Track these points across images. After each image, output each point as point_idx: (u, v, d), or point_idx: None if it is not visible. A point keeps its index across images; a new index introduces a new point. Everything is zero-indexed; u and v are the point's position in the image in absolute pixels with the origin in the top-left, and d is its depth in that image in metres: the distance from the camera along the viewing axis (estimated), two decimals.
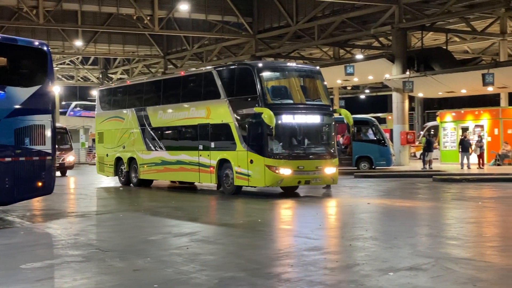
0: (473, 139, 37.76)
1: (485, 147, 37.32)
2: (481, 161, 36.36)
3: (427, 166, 36.12)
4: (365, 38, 46.34)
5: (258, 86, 23.52)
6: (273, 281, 10.05)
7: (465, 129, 40.02)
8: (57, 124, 32.98)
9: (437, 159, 41.70)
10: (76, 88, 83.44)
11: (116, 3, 43.83)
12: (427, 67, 38.22)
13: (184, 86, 27.82)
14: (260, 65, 24.30)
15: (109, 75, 70.32)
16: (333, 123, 24.60)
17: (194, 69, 28.38)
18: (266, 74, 24.10)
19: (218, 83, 25.38)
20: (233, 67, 25.39)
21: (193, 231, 15.53)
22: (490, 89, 37.57)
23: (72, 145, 42.25)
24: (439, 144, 42.31)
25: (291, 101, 24.07)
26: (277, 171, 23.14)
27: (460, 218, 17.67)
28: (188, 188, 29.99)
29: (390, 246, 12.80)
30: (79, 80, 75.80)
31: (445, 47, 41.89)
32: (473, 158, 36.44)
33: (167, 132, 28.81)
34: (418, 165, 39.23)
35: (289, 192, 25.40)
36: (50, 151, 18.21)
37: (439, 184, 28.88)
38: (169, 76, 29.80)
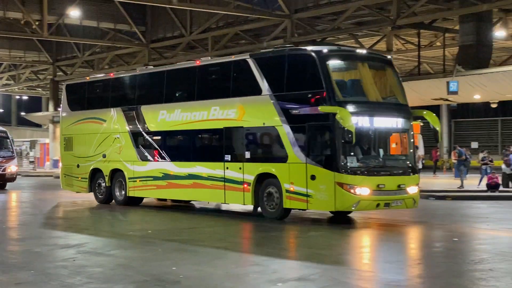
0: None
1: None
2: None
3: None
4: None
5: (325, 79, 17.89)
6: None
7: None
8: None
9: None
10: None
11: (3, 7, 42.00)
12: None
13: (201, 79, 21.75)
14: (325, 51, 18.60)
15: None
16: (412, 128, 19.01)
17: (208, 58, 21.79)
18: (333, 63, 18.50)
19: (258, 74, 19.51)
20: (282, 54, 19.52)
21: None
22: None
23: (14, 152, 35.19)
24: None
25: (365, 99, 18.34)
26: (352, 191, 17.48)
27: None
28: (185, 207, 24.07)
29: None
30: None
31: None
32: None
33: (173, 137, 22.71)
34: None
35: (340, 216, 19.96)
36: None
37: None
38: (178, 67, 23.57)
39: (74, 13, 41.80)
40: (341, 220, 19.47)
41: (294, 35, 36.11)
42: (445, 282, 10.97)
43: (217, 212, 22.68)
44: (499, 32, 37.65)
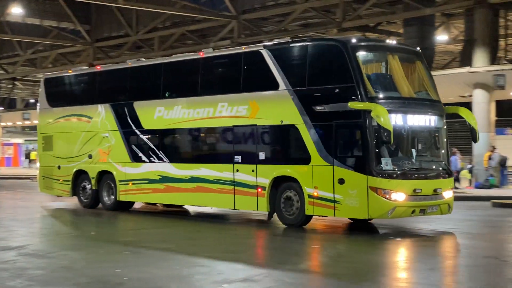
0: None
1: None
2: None
3: None
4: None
5: (355, 72, 16.11)
6: None
7: None
8: None
9: None
10: None
11: None
12: None
13: (206, 73, 19.82)
14: (354, 40, 16.88)
15: None
16: (445, 127, 17.40)
17: (210, 49, 19.85)
18: (363, 54, 16.82)
19: (274, 67, 17.71)
20: (304, 45, 17.70)
21: None
22: None
23: None
24: None
25: (398, 95, 16.64)
26: (387, 196, 15.75)
27: None
28: (179, 212, 22.20)
29: None
30: None
31: None
32: None
33: (173, 137, 20.74)
34: None
35: (360, 223, 18.22)
36: None
37: None
38: (178, 59, 21.54)
39: (16, 10, 40.20)
40: (361, 228, 17.80)
41: (241, 36, 36.16)
42: None
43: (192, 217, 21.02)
44: (441, 36, 39.05)
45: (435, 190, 16.49)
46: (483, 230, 18.12)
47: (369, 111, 15.82)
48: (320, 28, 33.97)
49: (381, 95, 16.34)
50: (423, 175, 16.48)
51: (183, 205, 22.61)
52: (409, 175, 16.19)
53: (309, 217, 17.49)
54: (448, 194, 16.85)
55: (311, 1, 30.22)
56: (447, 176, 16.97)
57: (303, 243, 15.89)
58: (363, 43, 17.07)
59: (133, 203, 22.42)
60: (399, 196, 15.90)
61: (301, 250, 14.71)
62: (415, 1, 26.05)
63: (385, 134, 15.49)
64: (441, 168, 16.99)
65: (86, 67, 26.47)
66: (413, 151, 16.75)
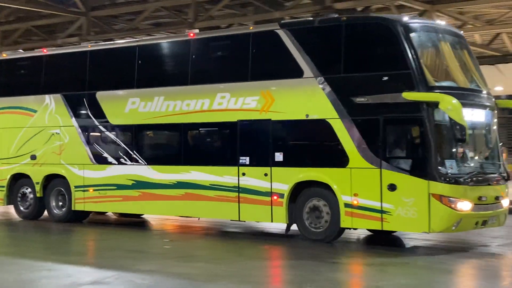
0: None
1: None
2: None
3: None
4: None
5: (411, 56, 13.37)
6: None
7: None
8: None
9: None
10: None
11: None
12: None
13: (198, 58, 16.54)
14: (406, 19, 14.16)
15: None
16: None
17: (196, 30, 16.59)
18: (418, 36, 13.94)
19: (295, 51, 14.86)
20: (338, 24, 14.80)
21: None
22: None
23: None
24: None
25: (455, 85, 14.10)
26: (453, 206, 13.02)
27: None
28: (137, 224, 18.86)
29: None
30: None
31: None
32: None
33: (152, 134, 17.47)
34: None
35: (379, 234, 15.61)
36: None
37: None
38: (158, 41, 17.98)
39: None
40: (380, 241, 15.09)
41: (90, 33, 34.26)
42: None
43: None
44: None
45: (496, 198, 14.01)
46: None
47: (433, 103, 13.09)
48: (172, 27, 32.73)
49: (441, 85, 13.61)
50: (486, 180, 13.94)
51: (143, 215, 19.36)
52: (474, 180, 13.56)
53: (342, 230, 14.49)
54: (506, 203, 14.42)
55: (162, 0, 29.01)
56: (504, 180, 14.48)
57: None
58: (416, 23, 14.34)
59: (88, 213, 18.61)
60: (465, 205, 13.31)
61: (155, 251, 14.32)
62: (266, 5, 25.41)
63: (458, 131, 12.95)
64: (499, 171, 14.48)
65: (22, 50, 22.15)
66: (473, 151, 14.09)
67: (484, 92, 14.66)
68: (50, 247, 14.84)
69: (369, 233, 15.88)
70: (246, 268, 11.97)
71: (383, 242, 15.06)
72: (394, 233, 15.66)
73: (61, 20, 35.08)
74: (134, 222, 19.01)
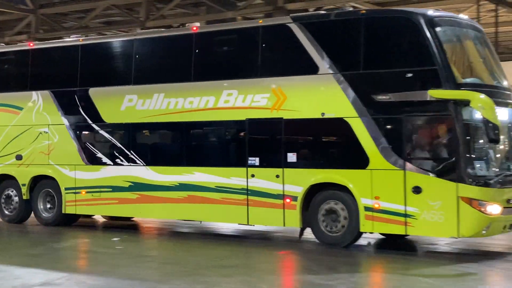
0: None
1: None
2: None
3: None
4: None
5: (437, 52, 12.74)
6: None
7: None
8: None
9: None
10: None
11: None
12: None
13: (202, 53, 15.64)
14: (430, 12, 13.51)
15: None
16: None
17: (197, 24, 15.73)
18: (443, 30, 13.26)
19: (310, 45, 14.15)
20: (356, 17, 14.11)
21: None
22: None
23: None
24: None
25: (481, 82, 13.54)
26: (483, 209, 12.38)
27: None
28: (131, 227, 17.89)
29: None
30: None
31: None
32: None
33: (151, 133, 16.47)
34: None
35: (391, 239, 14.98)
36: None
37: None
38: (157, 35, 17.02)
39: None
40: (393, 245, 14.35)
41: (39, 31, 33.80)
42: None
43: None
44: None
45: None
46: None
47: (462, 102, 12.42)
48: (123, 26, 32.75)
49: (468, 82, 12.97)
50: None
51: (132, 217, 18.56)
52: (503, 182, 12.94)
53: (359, 235, 13.77)
54: None
55: None
56: None
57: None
58: (441, 16, 13.64)
59: (78, 216, 17.60)
60: (495, 209, 12.68)
61: (107, 251, 14.10)
62: (218, 4, 25.35)
63: (491, 130, 12.27)
64: None
65: (4, 44, 21.01)
66: (501, 151, 13.48)
67: (507, 89, 14.01)
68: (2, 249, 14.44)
69: (381, 237, 15.09)
70: (200, 268, 11.77)
71: (397, 247, 14.37)
72: (407, 237, 14.89)
73: (9, 17, 34.43)
74: (125, 225, 18.06)
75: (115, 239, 15.46)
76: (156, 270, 11.75)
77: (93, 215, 18.69)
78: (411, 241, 15.03)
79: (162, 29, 18.13)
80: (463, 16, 14.57)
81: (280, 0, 20.89)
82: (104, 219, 19.04)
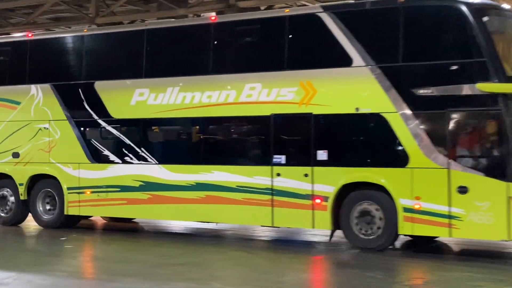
0: None
1: None
2: None
3: None
4: None
5: (485, 43, 11.99)
6: None
7: None
8: None
9: None
10: None
11: None
12: None
13: (221, 44, 14.67)
14: (476, 1, 12.72)
15: None
16: None
17: (212, 13, 14.86)
18: (491, 20, 12.53)
19: (343, 36, 13.27)
20: (394, 6, 13.17)
21: None
22: None
23: None
24: None
25: None
26: None
27: None
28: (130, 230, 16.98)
29: None
30: None
31: None
32: None
33: (165, 129, 15.39)
34: None
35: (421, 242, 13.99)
36: None
37: None
38: (171, 25, 16.04)
39: None
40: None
41: None
42: None
43: None
44: None
45: None
46: None
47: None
48: (72, 22, 31.62)
49: None
50: None
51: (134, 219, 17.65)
52: None
53: (396, 237, 12.92)
54: None
55: None
56: None
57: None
58: (487, 5, 12.91)
59: (80, 218, 16.51)
60: None
61: (58, 251, 13.90)
62: (169, 1, 24.68)
63: None
64: None
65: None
66: None
67: None
68: None
69: (408, 238, 14.25)
70: (150, 266, 11.57)
71: (431, 249, 13.57)
72: (436, 239, 14.10)
73: None
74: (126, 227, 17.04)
75: (63, 238, 15.00)
76: (103, 269, 11.67)
77: (91, 216, 17.52)
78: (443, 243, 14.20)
79: (176, 19, 17.09)
80: (506, 6, 13.80)
81: None
82: (104, 221, 17.93)
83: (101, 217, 17.73)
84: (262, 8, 21.39)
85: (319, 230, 14.19)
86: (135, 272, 10.98)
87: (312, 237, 14.95)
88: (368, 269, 11.38)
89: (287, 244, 14.85)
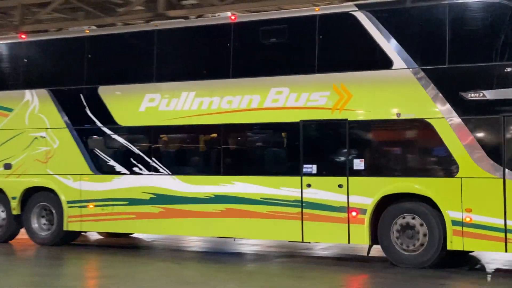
0: None
1: None
2: None
3: None
4: None
5: None
6: None
7: None
8: None
9: None
10: None
11: None
12: None
13: (241, 45, 13.62)
14: None
15: None
16: None
17: (228, 13, 13.82)
18: None
19: (382, 37, 12.33)
20: (440, 3, 12.20)
21: None
22: None
23: None
24: None
25: None
26: None
27: None
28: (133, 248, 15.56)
29: None
30: None
31: None
32: None
33: (179, 137, 14.16)
34: None
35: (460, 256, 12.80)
36: None
37: None
38: (185, 25, 14.90)
39: None
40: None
41: None
42: None
43: None
44: None
45: None
46: None
47: None
48: None
49: None
50: None
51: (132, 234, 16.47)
52: None
53: (443, 253, 11.92)
54: None
55: None
56: None
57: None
58: None
59: (78, 234, 15.17)
60: None
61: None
62: (97, 10, 23.70)
63: None
64: None
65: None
66: None
67: None
68: None
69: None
70: (71, 279, 11.52)
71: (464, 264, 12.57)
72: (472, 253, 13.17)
73: None
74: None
75: None
76: (23, 281, 11.13)
77: (85, 232, 16.18)
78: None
79: (190, 19, 15.95)
80: None
81: (161, 7, 19.06)
82: (101, 236, 16.61)
83: (97, 232, 16.36)
84: (192, 17, 20.36)
85: (248, 240, 14.34)
86: (56, 285, 10.71)
87: (241, 246, 14.95)
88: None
89: (216, 255, 14.44)
